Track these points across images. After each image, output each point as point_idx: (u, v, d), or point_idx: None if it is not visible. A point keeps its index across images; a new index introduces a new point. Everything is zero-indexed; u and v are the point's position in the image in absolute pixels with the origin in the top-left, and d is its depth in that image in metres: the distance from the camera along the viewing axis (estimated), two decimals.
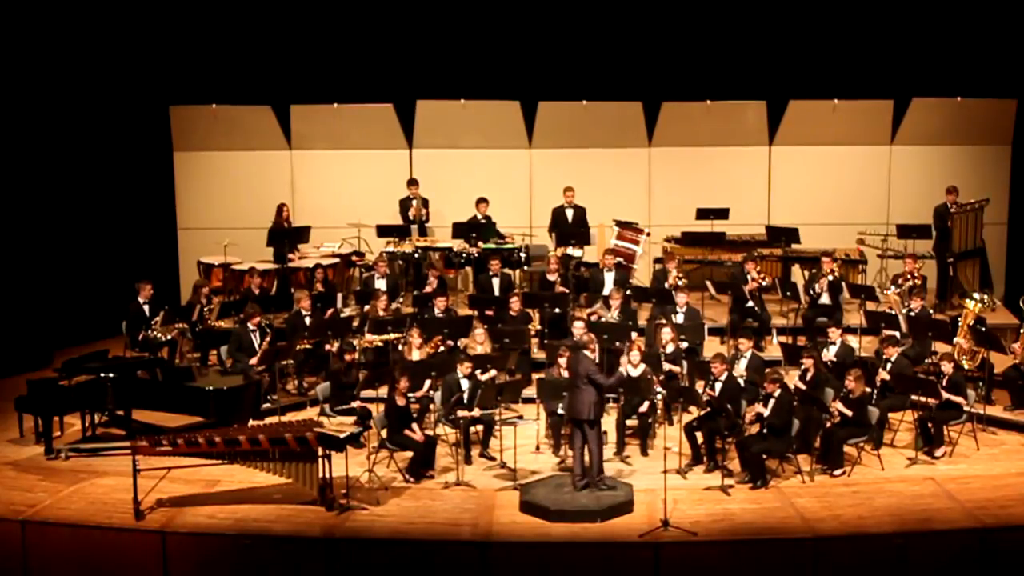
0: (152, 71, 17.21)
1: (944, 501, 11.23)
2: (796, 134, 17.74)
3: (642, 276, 16.94)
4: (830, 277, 14.96)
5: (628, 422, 12.69)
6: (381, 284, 15.41)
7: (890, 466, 12.15)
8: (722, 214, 16.95)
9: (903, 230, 16.26)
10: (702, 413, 12.26)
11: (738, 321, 14.92)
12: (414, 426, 11.97)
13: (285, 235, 16.57)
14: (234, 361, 13.94)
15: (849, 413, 11.95)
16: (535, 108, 17.67)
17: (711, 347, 14.59)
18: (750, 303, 14.98)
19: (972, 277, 16.19)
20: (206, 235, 17.36)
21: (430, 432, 12.35)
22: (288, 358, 14.14)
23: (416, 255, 16.46)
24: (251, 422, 12.55)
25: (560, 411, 12.27)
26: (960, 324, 13.83)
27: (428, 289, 15.21)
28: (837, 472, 11.91)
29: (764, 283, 15.21)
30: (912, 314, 14.08)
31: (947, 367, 12.53)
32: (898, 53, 17.29)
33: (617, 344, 13.56)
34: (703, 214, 16.97)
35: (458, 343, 14.12)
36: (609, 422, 12.52)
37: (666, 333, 13.53)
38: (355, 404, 12.93)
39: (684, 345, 13.75)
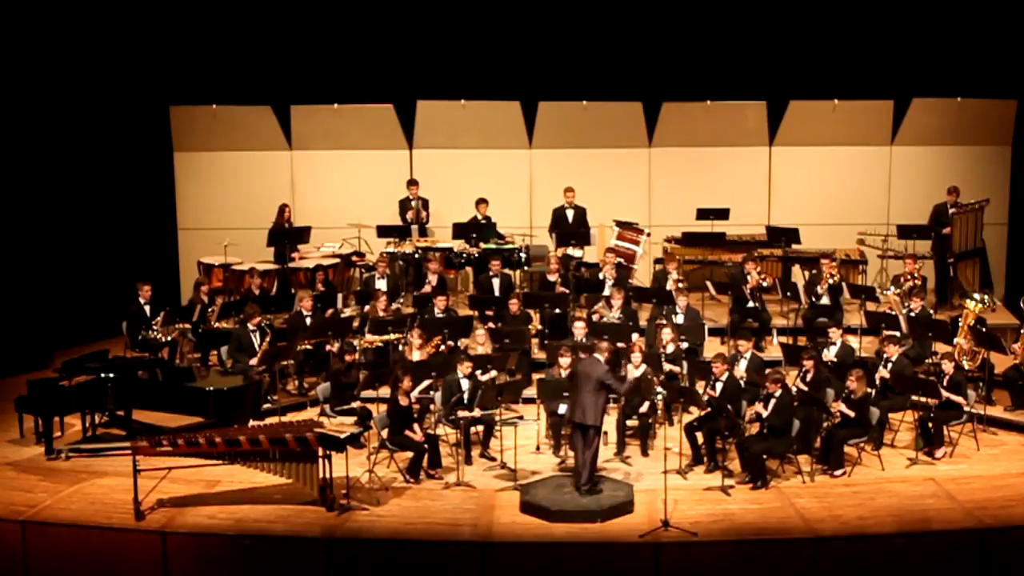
0: (152, 71, 17.22)
1: (944, 501, 11.23)
2: (796, 134, 17.74)
3: (642, 276, 16.95)
4: (831, 281, 14.96)
5: (628, 422, 12.69)
6: (381, 284, 15.42)
7: (890, 466, 12.15)
8: (722, 214, 16.96)
9: (903, 230, 16.27)
10: (702, 413, 12.26)
11: (738, 321, 14.92)
12: (415, 426, 11.97)
13: (285, 235, 16.58)
14: (234, 361, 13.95)
15: (852, 414, 11.95)
16: (535, 108, 17.68)
17: (711, 347, 14.59)
18: (751, 303, 14.99)
19: (972, 277, 16.20)
20: (206, 235, 17.36)
21: (431, 432, 12.33)
22: (288, 358, 14.15)
23: (416, 255, 16.46)
24: (251, 422, 12.54)
25: (561, 411, 12.27)
26: (960, 324, 13.83)
27: (428, 289, 15.22)
28: (837, 472, 11.90)
29: (764, 283, 15.22)
30: (912, 314, 14.09)
31: (948, 367, 12.53)
32: (898, 53, 17.29)
33: (619, 344, 13.55)
34: (703, 214, 16.98)
35: (458, 343, 14.12)
36: (609, 422, 12.51)
37: (666, 333, 13.53)
38: (355, 404, 12.92)
39: (684, 345, 13.75)
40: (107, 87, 16.80)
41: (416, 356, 13.44)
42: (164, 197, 17.90)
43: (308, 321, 14.44)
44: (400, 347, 14.20)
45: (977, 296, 14.26)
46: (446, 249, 16.58)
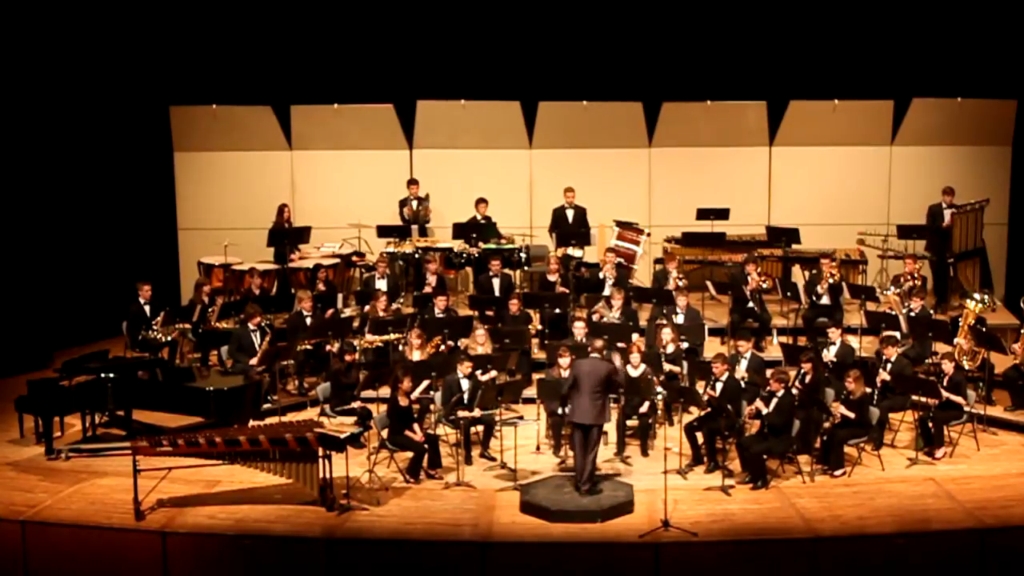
0: (152, 71, 17.22)
1: (944, 501, 11.24)
2: (796, 134, 17.73)
3: (642, 276, 16.94)
4: (831, 280, 14.96)
5: (628, 422, 12.69)
6: (381, 284, 15.42)
7: (890, 466, 12.15)
8: (722, 214, 16.96)
9: (903, 230, 16.27)
10: (702, 413, 12.26)
11: (738, 321, 14.92)
12: (415, 426, 11.97)
13: (285, 235, 16.58)
14: (234, 361, 13.95)
15: (851, 415, 11.95)
16: (535, 108, 17.67)
17: (711, 347, 14.59)
18: (751, 303, 14.98)
19: (972, 277, 16.20)
20: (206, 235, 17.35)
21: (431, 432, 12.33)
22: (288, 358, 14.15)
23: (416, 255, 16.46)
24: (251, 422, 12.54)
25: (560, 412, 12.26)
26: (960, 324, 13.83)
27: (428, 289, 15.22)
28: (837, 472, 11.90)
29: (764, 285, 15.22)
30: (912, 314, 14.09)
31: (948, 367, 12.53)
32: (898, 53, 17.29)
33: (619, 344, 13.55)
34: (703, 214, 16.98)
35: (458, 343, 14.12)
36: (609, 422, 12.51)
37: (666, 333, 13.53)
38: (355, 404, 12.92)
39: (684, 345, 13.75)
40: (107, 87, 16.80)
41: (416, 356, 13.44)
42: (164, 197, 17.90)
43: (308, 321, 14.44)
44: (400, 347, 14.20)
45: (977, 296, 14.26)
46: (446, 249, 16.58)
